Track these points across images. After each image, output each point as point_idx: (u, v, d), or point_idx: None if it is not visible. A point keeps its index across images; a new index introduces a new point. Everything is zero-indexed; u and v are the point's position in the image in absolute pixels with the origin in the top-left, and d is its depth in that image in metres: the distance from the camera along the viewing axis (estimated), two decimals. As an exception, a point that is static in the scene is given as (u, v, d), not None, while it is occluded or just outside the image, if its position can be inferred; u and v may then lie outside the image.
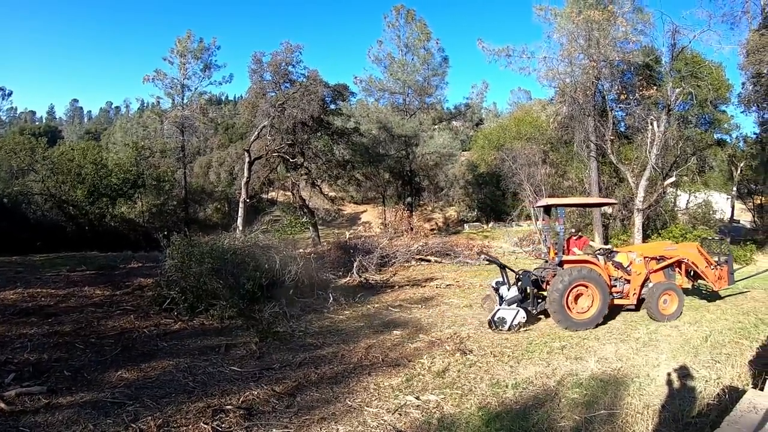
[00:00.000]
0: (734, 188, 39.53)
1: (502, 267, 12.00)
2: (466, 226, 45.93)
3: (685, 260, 12.09)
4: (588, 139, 24.40)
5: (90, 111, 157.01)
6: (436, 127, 48.23)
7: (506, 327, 10.73)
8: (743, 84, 27.38)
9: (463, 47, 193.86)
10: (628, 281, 11.61)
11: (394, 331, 10.68)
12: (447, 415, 6.42)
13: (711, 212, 30.32)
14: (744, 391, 6.17)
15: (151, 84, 45.79)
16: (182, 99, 47.34)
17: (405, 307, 12.84)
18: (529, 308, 11.24)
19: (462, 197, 51.60)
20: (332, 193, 41.79)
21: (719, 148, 30.84)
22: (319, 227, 33.60)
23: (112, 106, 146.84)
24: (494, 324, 10.86)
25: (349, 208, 59.91)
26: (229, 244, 13.72)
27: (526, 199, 31.28)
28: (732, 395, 6.37)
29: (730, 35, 23.96)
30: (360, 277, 16.98)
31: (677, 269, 12.22)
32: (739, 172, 37.81)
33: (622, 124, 27.23)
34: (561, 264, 11.24)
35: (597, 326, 10.61)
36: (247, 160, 29.04)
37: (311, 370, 8.12)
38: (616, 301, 11.47)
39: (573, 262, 11.27)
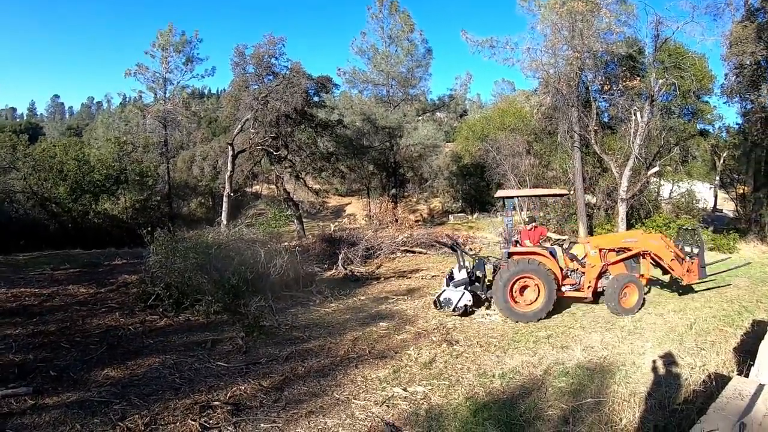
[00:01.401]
0: (717, 178, 39.85)
1: (455, 250, 12.50)
2: (450, 217, 45.95)
3: (648, 252, 11.78)
4: (572, 130, 24.41)
5: (71, 107, 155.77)
6: (420, 118, 48.18)
7: (451, 308, 11.07)
8: (726, 75, 27.50)
9: (447, 38, 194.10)
10: (584, 273, 11.53)
11: (381, 323, 10.69)
12: (435, 406, 6.44)
13: (694, 202, 30.53)
14: (729, 378, 6.21)
15: (132, 78, 45.30)
16: (164, 93, 46.89)
17: (391, 299, 12.85)
18: (479, 292, 11.52)
19: (446, 188, 51.63)
20: (317, 186, 41.53)
21: (702, 139, 31.02)
22: (304, 220, 33.46)
23: (94, 102, 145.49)
24: (439, 304, 11.29)
25: (334, 201, 59.78)
26: (213, 238, 13.67)
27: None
28: (718, 382, 6.43)
29: (713, 27, 24.17)
30: (345, 269, 16.98)
31: (642, 261, 11.88)
32: (721, 161, 38.12)
33: (606, 114, 27.29)
34: (510, 255, 11.24)
35: (539, 320, 10.62)
36: (230, 153, 28.84)
37: (298, 363, 8.12)
38: (571, 294, 11.49)
39: (521, 254, 11.26)
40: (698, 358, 7.74)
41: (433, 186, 51.77)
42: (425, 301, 12.44)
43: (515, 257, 11.17)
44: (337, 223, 40.86)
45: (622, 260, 11.62)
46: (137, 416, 6.08)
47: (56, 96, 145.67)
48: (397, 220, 30.19)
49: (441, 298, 11.34)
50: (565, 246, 12.31)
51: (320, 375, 7.60)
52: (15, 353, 8.35)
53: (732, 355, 7.76)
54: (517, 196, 12.27)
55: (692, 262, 11.88)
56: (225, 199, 28.36)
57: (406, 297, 13.18)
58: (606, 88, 25.06)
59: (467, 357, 8.36)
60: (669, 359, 7.72)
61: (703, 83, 25.76)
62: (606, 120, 27.27)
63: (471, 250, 18.60)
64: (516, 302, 10.78)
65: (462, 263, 11.88)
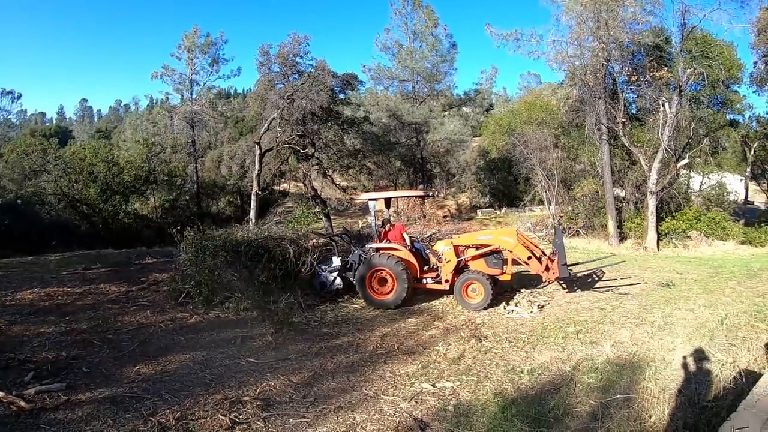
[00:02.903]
0: (748, 169, 38.98)
1: (335, 241, 14.43)
2: (478, 212, 45.72)
3: (503, 249, 12.18)
4: (599, 122, 24.16)
5: (100, 110, 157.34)
6: (446, 113, 48.06)
7: (324, 290, 12.76)
8: (755, 63, 27.10)
9: (471, 33, 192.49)
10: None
11: (409, 319, 10.74)
12: (463, 402, 6.45)
13: (725, 194, 30.03)
14: (760, 375, 6.13)
15: (159, 80, 45.91)
16: (191, 94, 47.38)
17: (419, 295, 12.85)
18: (351, 279, 12.67)
19: (474, 183, 51.28)
20: (344, 183, 41.55)
21: (732, 129, 30.52)
22: (332, 217, 33.55)
23: (122, 104, 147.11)
24: (313, 286, 12.88)
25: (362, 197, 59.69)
26: (242, 236, 13.77)
27: (538, 184, 31.11)
28: (748, 379, 6.34)
29: (740, 14, 23.61)
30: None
31: (508, 258, 12.22)
32: (752, 152, 37.28)
33: (634, 106, 26.94)
34: (377, 250, 12.32)
35: (397, 307, 11.75)
36: (257, 152, 29.00)
37: (327, 359, 8.18)
38: (432, 286, 12.29)
39: (382, 249, 12.32)
40: (729, 354, 7.61)
41: (461, 181, 51.53)
42: (453, 296, 12.42)
43: (377, 252, 12.28)
44: (364, 220, 40.85)
45: (479, 257, 12.13)
46: (168, 411, 6.16)
47: (84, 100, 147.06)
48: (424, 216, 30.20)
49: (317, 282, 12.95)
50: (430, 243, 13.56)
51: (349, 371, 7.66)
52: (48, 350, 8.52)
53: (763, 351, 7.62)
54: (374, 198, 13.11)
55: (552, 260, 11.94)
56: (253, 197, 28.55)
57: (434, 292, 13.16)
58: (633, 79, 24.69)
59: (496, 353, 8.35)
60: (699, 355, 7.62)
61: (731, 72, 25.33)
62: (634, 112, 26.93)
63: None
64: (375, 291, 12.04)
65: (336, 252, 13.67)
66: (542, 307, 11.27)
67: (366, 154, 37.69)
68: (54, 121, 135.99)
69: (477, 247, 12.24)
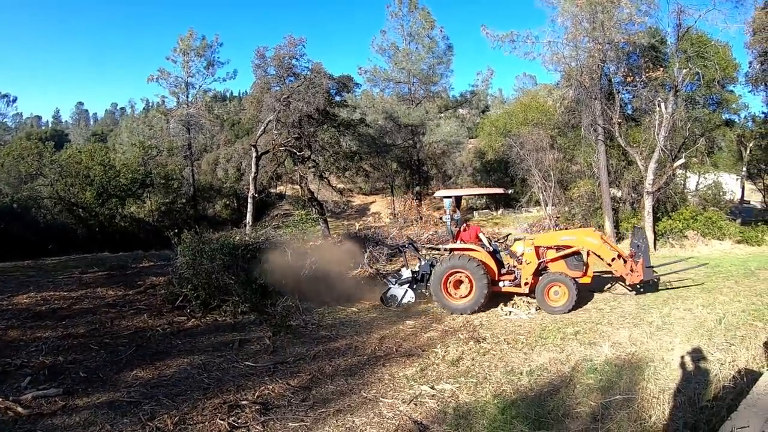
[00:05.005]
0: (744, 169, 39.14)
1: (402, 251, 14.19)
2: (475, 213, 45.87)
3: (586, 250, 11.73)
4: (595, 123, 24.19)
5: (95, 113, 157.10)
6: (442, 115, 48.17)
7: (396, 304, 12.20)
8: (750, 63, 27.10)
9: (467, 34, 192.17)
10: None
11: (407, 321, 10.73)
12: (462, 404, 6.44)
13: (721, 193, 30.06)
14: (760, 374, 6.13)
15: (155, 83, 46.10)
16: (187, 97, 47.53)
17: (418, 299, 12.83)
18: (423, 290, 12.47)
19: (470, 185, 51.46)
20: (340, 185, 41.68)
21: (728, 129, 30.54)
22: (329, 219, 33.60)
23: (118, 108, 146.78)
24: (386, 300, 12.37)
25: (358, 200, 59.90)
26: (239, 239, 13.74)
27: (534, 185, 31.20)
28: (748, 378, 6.34)
29: (735, 14, 23.71)
30: (371, 268, 16.98)
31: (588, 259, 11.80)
32: (748, 152, 37.42)
33: (629, 106, 26.95)
34: (451, 251, 11.93)
35: (473, 312, 11.19)
36: (254, 155, 29.07)
37: (326, 362, 8.17)
38: (508, 289, 11.79)
39: (457, 250, 11.82)
40: (728, 354, 7.61)
41: (457, 183, 51.59)
42: (398, 309, 12.44)
43: (453, 253, 11.76)
44: (361, 222, 40.97)
45: (561, 258, 11.66)
46: (166, 416, 6.15)
47: (80, 103, 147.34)
48: (421, 218, 30.21)
49: (388, 295, 12.46)
50: (509, 243, 12.95)
51: (348, 374, 7.64)
52: (45, 355, 8.47)
53: (762, 350, 7.61)
54: (449, 196, 12.49)
55: (637, 262, 11.58)
56: (250, 200, 28.62)
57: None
58: (629, 79, 24.76)
59: (494, 354, 8.34)
60: (698, 355, 7.61)
61: (727, 72, 25.36)
62: (630, 112, 26.95)
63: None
64: (450, 295, 11.48)
65: (406, 263, 13.26)
66: (540, 308, 11.25)
67: (362, 156, 37.87)
68: (50, 125, 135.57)
69: (558, 248, 11.78)
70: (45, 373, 7.63)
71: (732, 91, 28.42)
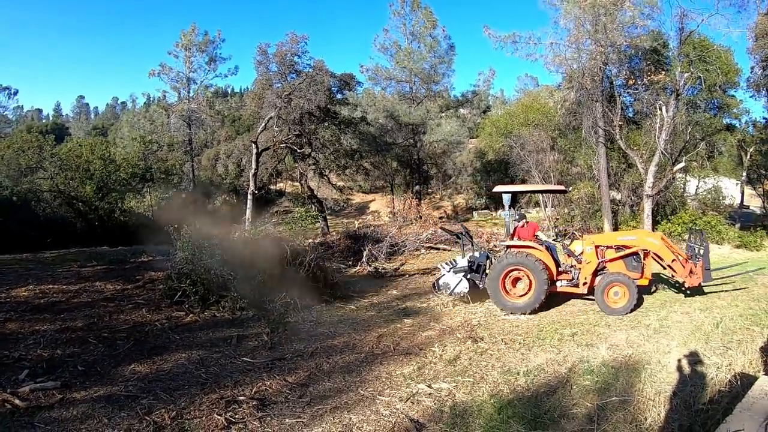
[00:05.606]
0: (744, 173, 39.14)
1: (460, 238, 13.30)
2: (475, 213, 45.90)
3: (647, 251, 11.45)
4: (596, 125, 24.23)
5: (96, 107, 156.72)
6: (443, 114, 48.14)
7: (448, 292, 11.90)
8: (752, 68, 27.13)
9: (470, 34, 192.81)
10: (580, 270, 11.54)
11: (405, 320, 10.73)
12: (459, 403, 6.46)
13: (721, 198, 30.10)
14: (756, 378, 6.15)
15: (156, 78, 46.05)
16: (188, 92, 47.43)
17: (415, 296, 12.86)
18: (477, 281, 11.90)
19: (470, 185, 51.44)
20: (340, 183, 41.78)
21: (728, 133, 30.53)
22: (328, 217, 33.63)
23: (119, 102, 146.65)
24: (438, 287, 12.14)
25: (358, 198, 59.89)
26: (239, 235, 13.74)
27: (534, 186, 31.16)
28: (744, 382, 6.38)
29: (738, 19, 23.81)
30: (370, 266, 17.02)
31: (645, 260, 11.48)
32: (748, 157, 37.36)
33: (631, 109, 27.02)
34: (508, 248, 11.67)
35: (533, 312, 10.86)
36: (254, 151, 29.08)
37: (323, 359, 8.17)
38: (566, 289, 11.58)
39: (516, 247, 11.61)
40: (724, 358, 7.64)
41: (457, 182, 51.64)
42: (450, 298, 12.43)
43: (512, 250, 11.52)
44: (361, 220, 40.91)
45: (620, 258, 11.46)
46: (164, 410, 6.15)
47: (81, 97, 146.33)
48: (421, 217, 30.24)
49: (440, 282, 12.23)
50: (565, 242, 12.54)
51: (345, 371, 7.65)
52: (43, 348, 8.46)
53: (759, 354, 7.65)
54: (507, 192, 12.19)
55: (696, 264, 11.42)
56: (249, 196, 28.61)
57: (430, 293, 13.14)
58: (630, 82, 24.76)
59: (492, 354, 8.36)
60: (695, 358, 7.64)
61: (728, 77, 25.37)
62: (631, 115, 27.02)
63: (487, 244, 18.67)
64: (507, 293, 11.16)
65: (464, 251, 12.62)
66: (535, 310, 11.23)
67: (363, 155, 37.87)
68: (51, 118, 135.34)
69: (617, 248, 11.54)
70: (43, 366, 7.61)
71: (733, 95, 28.43)
